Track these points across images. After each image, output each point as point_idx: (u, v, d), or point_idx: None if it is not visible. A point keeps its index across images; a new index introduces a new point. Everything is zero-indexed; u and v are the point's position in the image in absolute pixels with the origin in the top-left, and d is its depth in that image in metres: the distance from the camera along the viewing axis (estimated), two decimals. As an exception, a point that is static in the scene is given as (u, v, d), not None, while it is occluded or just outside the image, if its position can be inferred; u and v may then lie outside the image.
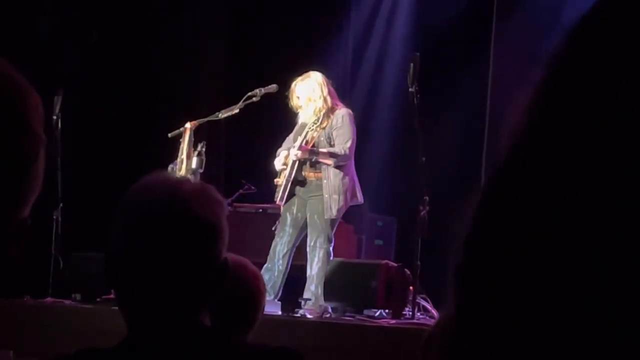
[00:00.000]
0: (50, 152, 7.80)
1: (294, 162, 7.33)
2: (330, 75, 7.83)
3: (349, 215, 9.42)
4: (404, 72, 7.36)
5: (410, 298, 6.90)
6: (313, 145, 7.34)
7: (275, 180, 7.57)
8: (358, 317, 7.10)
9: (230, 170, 9.65)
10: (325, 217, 7.30)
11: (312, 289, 7.28)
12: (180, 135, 7.38)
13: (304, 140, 7.28)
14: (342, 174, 7.31)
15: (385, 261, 7.52)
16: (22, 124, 1.25)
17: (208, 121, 7.49)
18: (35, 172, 1.28)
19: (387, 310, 7.12)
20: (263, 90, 7.41)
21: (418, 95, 6.91)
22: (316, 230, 7.33)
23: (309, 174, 7.39)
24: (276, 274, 7.36)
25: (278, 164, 7.51)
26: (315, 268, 7.31)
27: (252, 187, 8.63)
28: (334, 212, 7.29)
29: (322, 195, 7.28)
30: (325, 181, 7.29)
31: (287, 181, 7.36)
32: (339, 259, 7.93)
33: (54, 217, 7.90)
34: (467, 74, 9.50)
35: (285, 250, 7.42)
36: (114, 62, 10.16)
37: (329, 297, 7.45)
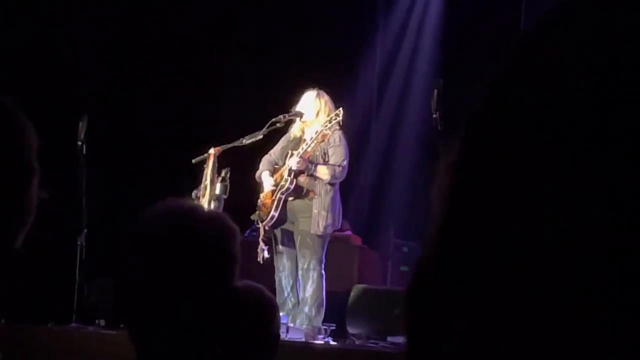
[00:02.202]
0: (75, 178, 7.84)
1: (290, 172, 7.28)
2: (356, 100, 7.81)
3: (374, 241, 9.41)
4: (428, 97, 7.35)
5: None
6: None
7: (262, 199, 7.50)
8: (382, 344, 7.07)
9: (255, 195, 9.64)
10: (312, 232, 7.22)
11: (306, 310, 7.18)
12: (204, 161, 7.38)
13: (302, 152, 7.24)
14: (332, 192, 7.28)
15: (410, 288, 7.47)
16: (14, 154, 1.24)
17: (232, 147, 7.49)
18: (27, 202, 1.27)
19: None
20: (287, 117, 7.40)
21: (442, 121, 6.89)
22: (309, 252, 7.24)
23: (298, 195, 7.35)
24: (291, 306, 7.32)
25: (268, 182, 7.45)
26: (309, 290, 7.22)
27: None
28: (321, 228, 7.19)
29: (312, 212, 7.22)
30: (316, 197, 7.24)
31: (279, 199, 7.30)
32: (363, 286, 7.90)
33: (78, 242, 7.91)
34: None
35: (291, 283, 7.37)
36: (138, 88, 10.20)
37: (352, 323, 7.42)
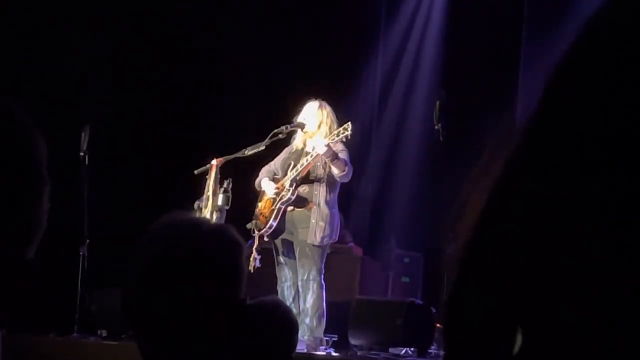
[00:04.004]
0: (78, 188, 7.84)
1: (291, 182, 7.25)
2: (358, 111, 7.78)
3: (375, 252, 9.40)
4: (430, 108, 7.35)
5: (436, 336, 6.86)
6: (309, 172, 7.30)
7: (260, 209, 7.47)
8: (383, 354, 7.07)
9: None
10: (308, 241, 7.22)
11: (307, 322, 7.17)
12: (207, 172, 7.38)
13: (304, 164, 7.23)
14: (331, 204, 7.26)
15: (411, 299, 7.49)
16: (26, 164, 1.25)
17: (234, 158, 7.50)
18: (39, 212, 1.28)
19: (412, 348, 7.08)
20: (289, 127, 7.40)
21: (444, 133, 6.89)
22: (308, 263, 7.22)
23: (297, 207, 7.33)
24: None
25: (270, 187, 7.45)
26: (310, 301, 7.21)
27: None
28: (318, 238, 7.17)
29: (310, 222, 7.21)
30: (314, 207, 7.23)
31: (279, 209, 7.29)
32: (364, 297, 7.90)
33: (80, 252, 7.92)
34: (495, 110, 9.49)
35: (293, 293, 7.36)
36: (140, 98, 10.21)
37: (354, 334, 7.42)
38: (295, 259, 7.33)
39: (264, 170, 7.55)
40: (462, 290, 0.70)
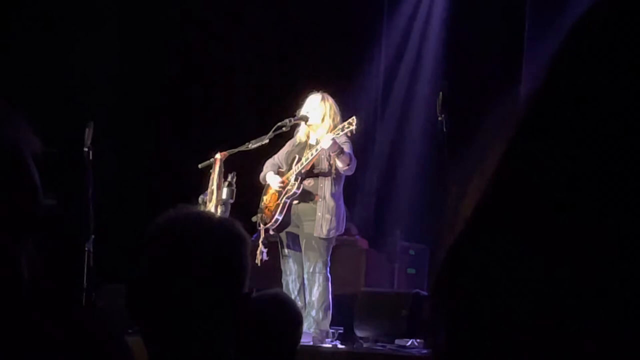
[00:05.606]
0: (82, 184, 7.85)
1: (297, 177, 7.25)
2: (361, 104, 7.76)
3: (381, 244, 9.40)
4: (433, 100, 7.35)
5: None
6: (313, 166, 7.30)
7: (265, 202, 7.48)
8: (389, 346, 7.08)
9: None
10: (315, 235, 7.23)
11: (313, 314, 7.18)
12: (211, 166, 7.39)
13: (309, 159, 7.23)
14: (336, 196, 7.27)
15: (416, 290, 7.49)
16: None
17: (238, 151, 7.50)
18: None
19: (418, 340, 7.08)
20: (293, 120, 7.40)
21: (447, 124, 6.89)
22: (315, 256, 7.22)
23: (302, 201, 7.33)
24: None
25: (275, 180, 7.45)
26: (316, 293, 7.22)
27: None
28: (324, 231, 7.18)
29: (316, 215, 7.21)
30: (320, 200, 7.23)
31: (285, 203, 7.29)
32: (370, 289, 7.90)
33: (86, 248, 7.92)
34: (498, 101, 9.47)
35: (298, 286, 7.36)
36: (144, 94, 10.22)
37: (360, 326, 7.42)
38: (300, 251, 7.33)
39: (268, 164, 7.55)
40: (449, 283, 0.70)
